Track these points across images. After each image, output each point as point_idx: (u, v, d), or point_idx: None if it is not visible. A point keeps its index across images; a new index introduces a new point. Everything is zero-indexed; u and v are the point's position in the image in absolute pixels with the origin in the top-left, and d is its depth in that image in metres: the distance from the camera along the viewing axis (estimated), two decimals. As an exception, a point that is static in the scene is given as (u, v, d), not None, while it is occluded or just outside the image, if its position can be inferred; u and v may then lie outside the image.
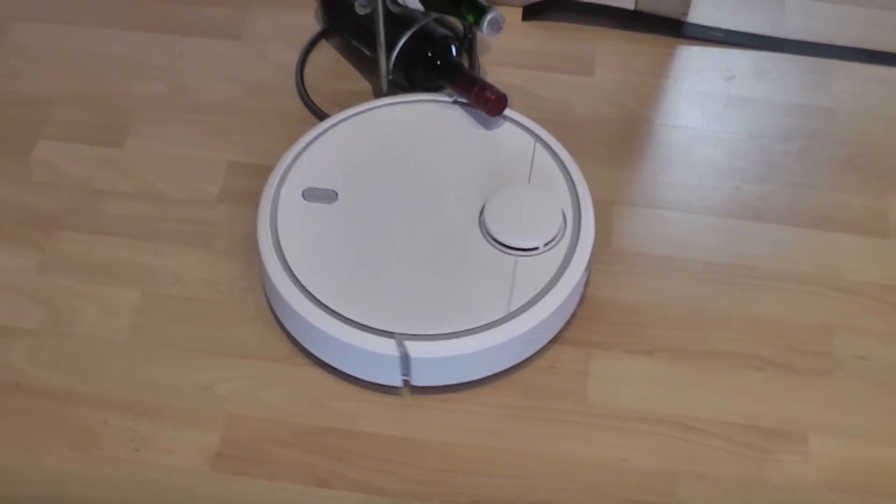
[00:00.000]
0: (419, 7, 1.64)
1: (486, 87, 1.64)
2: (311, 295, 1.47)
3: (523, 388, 1.50)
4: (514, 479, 1.44)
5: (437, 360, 1.44)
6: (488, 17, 1.55)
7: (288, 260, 1.51)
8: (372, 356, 1.45)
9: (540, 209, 1.54)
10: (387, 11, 1.64)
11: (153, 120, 1.81)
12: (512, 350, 1.48)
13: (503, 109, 1.64)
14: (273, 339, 1.55)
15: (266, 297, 1.58)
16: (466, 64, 1.78)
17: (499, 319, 1.45)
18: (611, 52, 1.85)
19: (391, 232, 1.54)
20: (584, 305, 1.56)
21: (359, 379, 1.50)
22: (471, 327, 1.44)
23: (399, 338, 1.44)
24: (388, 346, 1.44)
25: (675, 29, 1.87)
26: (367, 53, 1.80)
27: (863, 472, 1.44)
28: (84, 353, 1.55)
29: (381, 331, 1.44)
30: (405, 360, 1.45)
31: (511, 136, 1.64)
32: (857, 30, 1.90)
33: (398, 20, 1.69)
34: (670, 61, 1.84)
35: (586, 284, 1.57)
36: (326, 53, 1.88)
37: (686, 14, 1.89)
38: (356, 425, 1.47)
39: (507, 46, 1.86)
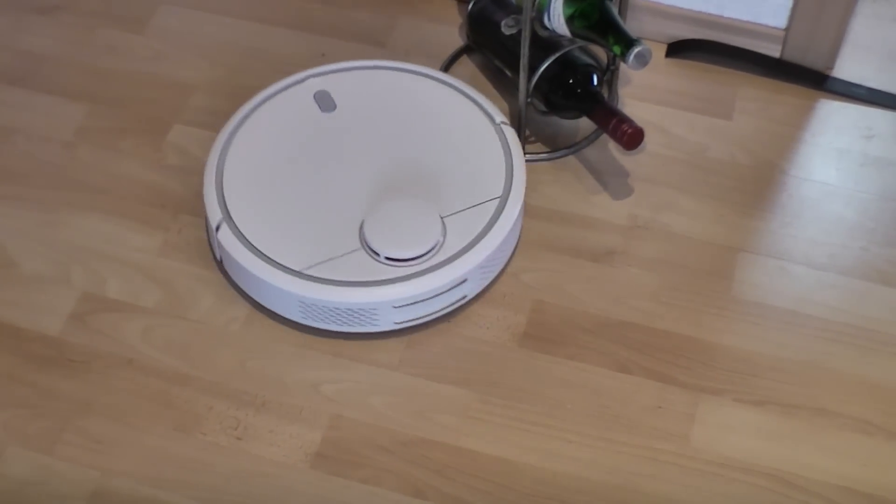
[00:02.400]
0: (566, 33, 1.63)
1: (623, 119, 1.64)
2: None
3: (628, 424, 1.49)
4: (610, 514, 1.43)
5: (231, 255, 1.57)
6: (636, 50, 1.55)
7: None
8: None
9: (423, 227, 1.57)
10: (533, 34, 1.64)
11: (289, 116, 1.83)
12: (285, 301, 1.57)
13: (639, 144, 1.64)
14: (386, 346, 1.56)
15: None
16: (606, 95, 1.78)
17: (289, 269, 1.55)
18: (751, 98, 1.83)
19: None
20: (698, 349, 1.56)
21: (467, 393, 1.51)
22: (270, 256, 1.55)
23: (224, 217, 1.59)
24: (215, 217, 1.60)
25: (819, 82, 1.85)
26: (508, 74, 1.80)
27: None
28: (197, 338, 1.57)
29: (221, 201, 1.61)
30: (215, 235, 1.59)
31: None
32: None
33: (543, 44, 1.69)
34: (810, 114, 1.82)
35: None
36: (466, 69, 1.88)
37: (831, 68, 1.87)
38: (459, 441, 1.47)
39: (647, 82, 1.85)
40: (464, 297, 1.59)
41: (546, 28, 1.65)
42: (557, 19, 1.62)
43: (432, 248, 1.55)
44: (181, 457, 1.47)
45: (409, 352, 1.55)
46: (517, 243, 1.67)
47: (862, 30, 1.93)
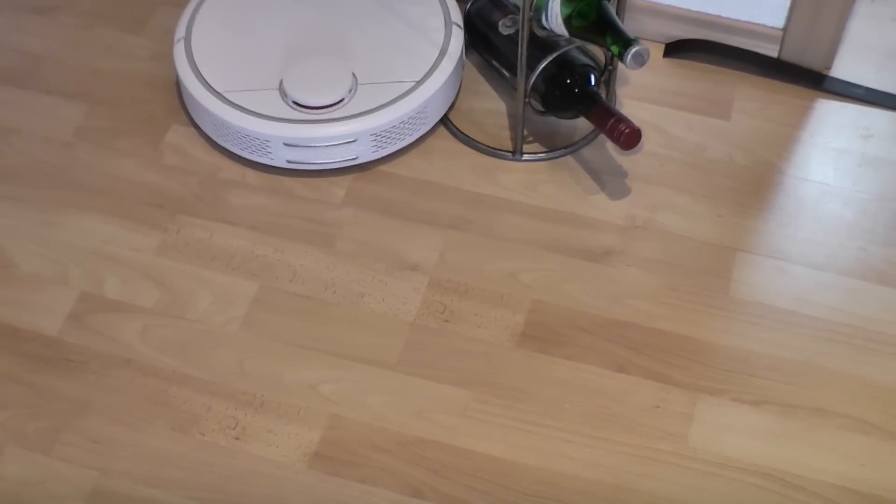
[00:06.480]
0: (564, 33, 1.64)
1: (621, 119, 1.64)
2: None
3: (626, 423, 1.49)
4: (608, 513, 1.44)
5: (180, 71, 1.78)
6: (633, 49, 1.55)
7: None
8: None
9: (334, 84, 1.74)
10: (531, 34, 1.64)
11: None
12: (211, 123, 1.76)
13: (637, 144, 1.64)
14: (383, 346, 1.56)
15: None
16: (604, 94, 1.78)
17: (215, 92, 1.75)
18: (749, 98, 1.83)
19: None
20: (695, 349, 1.56)
21: (465, 393, 1.51)
22: (208, 81, 1.76)
23: (183, 40, 1.80)
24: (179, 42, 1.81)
25: (817, 81, 1.85)
26: (506, 74, 1.80)
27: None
28: (195, 338, 1.57)
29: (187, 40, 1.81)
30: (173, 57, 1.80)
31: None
32: None
33: (540, 44, 1.69)
34: (808, 113, 1.82)
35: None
36: (464, 69, 1.88)
37: (829, 68, 1.87)
38: (457, 441, 1.47)
39: (645, 82, 1.85)
40: (354, 158, 1.74)
41: (544, 28, 1.65)
42: (555, 19, 1.62)
43: (334, 104, 1.72)
44: (179, 457, 1.47)
45: (408, 351, 1.55)
46: (429, 134, 1.81)
47: (860, 29, 1.93)
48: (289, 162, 1.73)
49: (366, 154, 1.73)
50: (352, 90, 1.73)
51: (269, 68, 1.76)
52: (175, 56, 1.79)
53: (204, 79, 1.75)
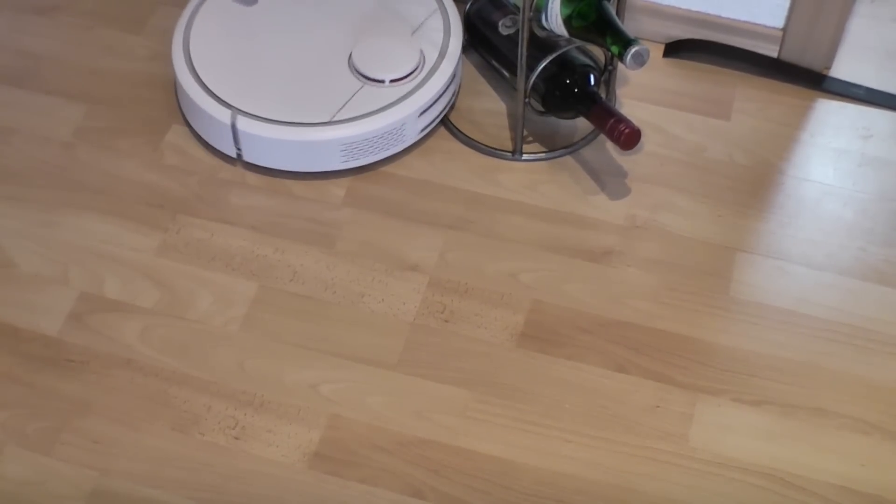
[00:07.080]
0: (564, 33, 1.64)
1: (621, 120, 1.64)
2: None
3: (626, 424, 1.49)
4: (608, 513, 1.44)
5: (257, 137, 1.71)
6: (633, 50, 1.55)
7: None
8: (213, 121, 1.73)
9: (401, 49, 1.77)
10: (531, 34, 1.64)
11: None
12: (327, 153, 1.72)
13: (636, 144, 1.64)
14: (383, 346, 1.56)
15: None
16: (604, 95, 1.78)
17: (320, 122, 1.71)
18: (749, 98, 1.83)
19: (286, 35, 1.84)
20: (695, 349, 1.56)
21: (465, 393, 1.51)
22: (295, 120, 1.71)
23: (234, 112, 1.71)
24: (225, 116, 1.71)
25: (817, 82, 1.85)
26: (506, 74, 1.80)
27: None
28: (195, 338, 1.57)
29: (222, 101, 1.73)
30: (234, 130, 1.71)
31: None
32: None
33: (540, 44, 1.69)
34: (808, 114, 1.82)
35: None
36: (464, 69, 1.88)
37: (829, 68, 1.87)
38: (457, 441, 1.47)
39: (645, 82, 1.85)
40: (454, 94, 1.83)
41: (544, 28, 1.65)
42: (555, 19, 1.62)
43: (420, 60, 1.76)
44: (179, 457, 1.47)
45: (408, 351, 1.55)
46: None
47: (860, 30, 1.93)
48: (420, 132, 1.76)
49: (456, 86, 1.81)
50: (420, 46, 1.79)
51: (335, 76, 1.76)
52: (248, 131, 1.71)
53: (302, 122, 1.71)
